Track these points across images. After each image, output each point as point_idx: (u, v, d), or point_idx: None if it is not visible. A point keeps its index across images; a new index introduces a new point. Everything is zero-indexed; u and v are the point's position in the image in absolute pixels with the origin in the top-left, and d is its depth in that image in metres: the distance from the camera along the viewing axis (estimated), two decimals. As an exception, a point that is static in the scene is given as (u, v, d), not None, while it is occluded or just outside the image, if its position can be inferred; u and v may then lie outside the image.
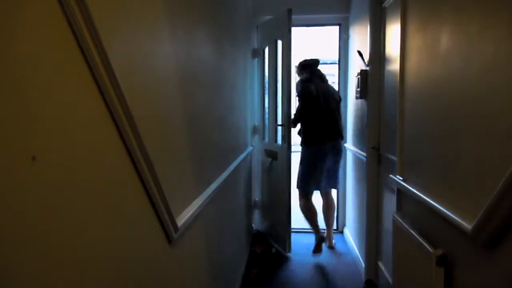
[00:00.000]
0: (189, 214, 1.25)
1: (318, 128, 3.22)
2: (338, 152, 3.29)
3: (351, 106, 3.45)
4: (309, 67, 3.35)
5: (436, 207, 1.36)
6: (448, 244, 1.29)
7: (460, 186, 1.23)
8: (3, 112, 0.48)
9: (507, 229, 0.94)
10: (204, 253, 1.62)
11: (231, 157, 2.33)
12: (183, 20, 1.27)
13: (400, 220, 1.72)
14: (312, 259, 3.23)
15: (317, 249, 3.27)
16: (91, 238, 0.68)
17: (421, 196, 1.53)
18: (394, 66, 2.16)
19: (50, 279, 0.57)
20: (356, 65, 3.08)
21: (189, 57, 1.34)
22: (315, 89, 3.22)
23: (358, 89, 2.82)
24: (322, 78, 3.35)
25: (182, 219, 1.17)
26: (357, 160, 3.13)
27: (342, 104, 3.59)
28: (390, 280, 2.16)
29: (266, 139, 3.63)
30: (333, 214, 3.56)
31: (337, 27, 3.74)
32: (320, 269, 3.06)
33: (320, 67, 3.46)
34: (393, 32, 2.22)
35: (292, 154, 3.21)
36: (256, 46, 3.70)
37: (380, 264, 2.56)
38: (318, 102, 3.20)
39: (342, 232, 3.82)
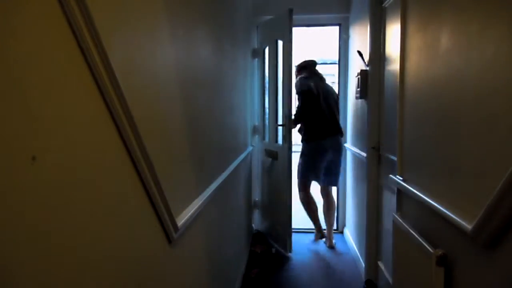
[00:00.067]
0: (189, 214, 1.25)
1: (319, 125, 3.32)
2: (337, 148, 3.38)
3: (351, 106, 3.45)
4: (307, 68, 3.46)
5: (436, 207, 1.36)
6: (448, 244, 1.29)
7: (460, 186, 1.23)
8: (3, 112, 0.48)
9: (507, 229, 0.94)
10: (204, 253, 1.62)
11: (231, 157, 2.33)
12: (183, 20, 1.27)
13: (400, 220, 1.72)
14: (312, 259, 3.23)
15: (317, 238, 3.59)
16: (91, 238, 0.68)
17: (421, 196, 1.53)
18: (394, 66, 2.16)
19: (50, 279, 0.57)
20: (356, 65, 3.08)
21: (189, 57, 1.34)
22: (315, 87, 3.32)
23: (358, 89, 2.82)
24: (320, 77, 3.46)
25: (182, 219, 1.17)
26: (357, 160, 3.13)
27: (342, 104, 3.69)
28: (390, 280, 2.16)
29: (267, 139, 3.63)
30: (334, 214, 3.59)
31: (337, 27, 3.74)
32: (320, 269, 3.06)
33: (320, 67, 3.50)
34: (393, 32, 2.22)
35: (292, 154, 3.22)
36: (256, 46, 3.70)
37: (380, 264, 2.56)
38: (318, 99, 3.31)
39: (342, 232, 3.82)
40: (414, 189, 1.64)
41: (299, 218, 3.81)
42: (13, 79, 0.50)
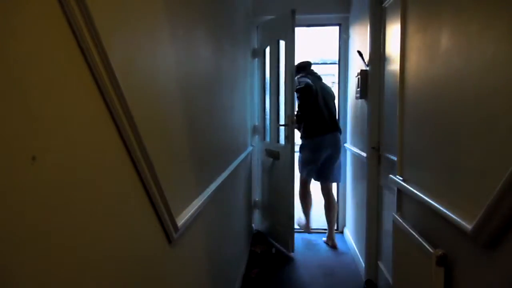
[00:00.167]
0: (189, 214, 1.25)
1: (317, 122, 3.40)
2: (336, 144, 3.46)
3: (351, 106, 3.46)
4: (305, 68, 3.54)
5: (436, 207, 1.36)
6: (448, 244, 1.29)
7: (460, 186, 1.23)
8: (3, 112, 0.48)
9: (507, 229, 0.94)
10: (204, 253, 1.62)
11: (231, 157, 2.33)
12: (183, 20, 1.27)
13: (400, 220, 1.72)
14: (312, 259, 3.23)
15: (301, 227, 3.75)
16: (91, 238, 0.68)
17: (421, 196, 1.53)
18: (394, 66, 2.16)
19: (50, 279, 0.57)
20: (356, 65, 3.08)
21: (189, 57, 1.34)
22: (313, 84, 3.41)
23: (358, 89, 2.82)
24: (317, 76, 3.58)
25: (182, 219, 1.17)
26: (357, 160, 3.13)
27: (342, 104, 3.73)
28: (390, 280, 2.16)
29: (267, 139, 3.63)
30: (335, 213, 3.61)
31: (337, 27, 3.74)
32: (320, 269, 3.06)
33: (320, 67, 3.52)
34: (393, 32, 2.22)
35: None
36: (256, 46, 3.70)
37: (380, 264, 2.56)
38: (316, 97, 3.41)
39: (342, 232, 3.82)
40: (414, 189, 1.64)
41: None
42: (13, 79, 0.50)
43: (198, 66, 1.49)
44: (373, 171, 2.63)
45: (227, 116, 2.18)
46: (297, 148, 3.24)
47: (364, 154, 2.74)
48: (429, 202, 1.43)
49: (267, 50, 3.55)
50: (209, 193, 1.56)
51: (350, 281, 2.82)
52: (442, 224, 1.32)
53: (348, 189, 3.63)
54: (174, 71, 1.17)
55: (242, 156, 2.79)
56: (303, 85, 3.35)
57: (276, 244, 3.45)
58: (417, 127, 1.67)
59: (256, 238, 3.60)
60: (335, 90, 3.87)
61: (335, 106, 3.60)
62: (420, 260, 1.42)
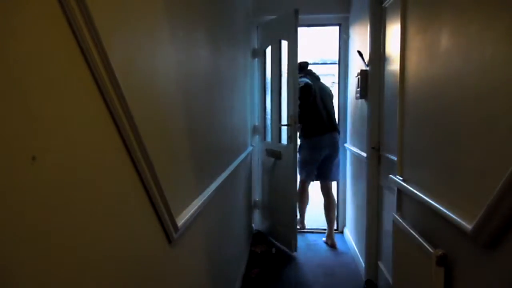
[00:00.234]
0: (189, 214, 1.25)
1: (315, 121, 3.43)
2: (334, 144, 3.50)
3: (351, 106, 3.46)
4: (303, 69, 3.58)
5: (436, 207, 1.36)
6: (448, 244, 1.29)
7: (460, 186, 1.23)
8: (3, 112, 0.48)
9: (507, 229, 0.94)
10: (204, 253, 1.62)
11: (231, 157, 2.33)
12: (183, 20, 1.27)
13: (400, 220, 1.72)
14: (312, 259, 3.23)
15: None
16: (91, 238, 0.68)
17: (421, 196, 1.53)
18: (394, 66, 2.16)
19: (50, 279, 0.57)
20: (356, 65, 3.08)
21: (189, 57, 1.34)
22: (312, 85, 3.45)
23: (358, 89, 2.82)
24: (315, 76, 3.61)
25: (182, 219, 1.17)
26: (357, 160, 3.13)
27: (342, 104, 3.72)
28: (390, 280, 2.16)
29: (268, 139, 3.63)
30: (334, 212, 3.63)
31: (337, 27, 3.74)
32: (320, 269, 3.06)
33: (320, 67, 3.54)
34: (393, 32, 2.22)
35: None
36: (256, 46, 3.70)
37: (380, 264, 2.56)
38: (315, 97, 3.45)
39: (342, 232, 3.82)
40: (414, 189, 1.64)
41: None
42: (13, 79, 0.50)
43: (198, 66, 1.49)
44: (373, 171, 2.63)
45: (227, 116, 2.19)
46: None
47: (364, 154, 2.74)
48: (429, 202, 1.43)
49: (268, 50, 3.55)
50: (209, 193, 1.56)
51: (350, 281, 2.82)
52: (442, 224, 1.32)
53: (348, 189, 3.63)
54: (174, 71, 1.17)
55: (242, 156, 2.79)
56: (302, 85, 3.37)
57: (278, 244, 3.46)
58: (417, 127, 1.67)
59: (256, 238, 3.60)
60: (335, 90, 3.88)
61: (333, 106, 3.63)
62: (420, 260, 1.42)
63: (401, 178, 1.84)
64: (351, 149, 3.38)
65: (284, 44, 3.26)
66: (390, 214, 2.01)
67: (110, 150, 0.77)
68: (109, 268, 0.76)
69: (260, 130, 3.74)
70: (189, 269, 1.39)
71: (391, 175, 2.00)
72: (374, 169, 2.62)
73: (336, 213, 3.69)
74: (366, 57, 2.68)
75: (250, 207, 3.61)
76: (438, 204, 1.36)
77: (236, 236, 2.65)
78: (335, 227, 3.71)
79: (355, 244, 3.24)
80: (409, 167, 1.79)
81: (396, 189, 1.98)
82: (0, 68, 0.48)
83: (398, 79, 1.87)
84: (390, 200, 2.30)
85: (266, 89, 3.64)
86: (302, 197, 3.74)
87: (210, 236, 1.72)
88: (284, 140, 3.30)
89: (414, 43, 1.70)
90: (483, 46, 1.09)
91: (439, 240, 1.36)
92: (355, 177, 3.25)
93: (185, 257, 1.31)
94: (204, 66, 1.60)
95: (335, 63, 3.97)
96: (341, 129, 3.71)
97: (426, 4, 1.58)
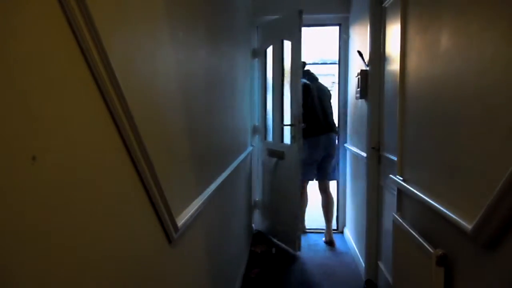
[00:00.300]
0: (189, 214, 1.25)
1: (312, 122, 3.44)
2: (331, 145, 3.53)
3: (351, 106, 3.46)
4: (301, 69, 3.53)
5: (436, 207, 1.36)
6: (448, 244, 1.29)
7: (460, 186, 1.23)
8: (3, 112, 0.48)
9: (507, 229, 0.94)
10: (204, 253, 1.62)
11: (231, 157, 2.33)
12: (183, 20, 1.27)
13: (400, 220, 1.72)
14: (312, 259, 3.23)
15: None
16: (91, 238, 0.68)
17: (421, 196, 1.53)
18: (394, 66, 2.16)
19: (50, 279, 0.57)
20: (356, 65, 3.08)
21: (189, 57, 1.34)
22: (310, 85, 3.48)
23: (358, 89, 2.82)
24: (313, 77, 3.63)
25: (182, 219, 1.17)
26: (357, 160, 3.13)
27: (342, 104, 3.72)
28: (390, 280, 2.16)
29: (270, 139, 3.63)
30: (332, 209, 3.65)
31: (337, 27, 3.74)
32: (320, 269, 3.06)
33: (320, 67, 3.54)
34: (393, 32, 2.22)
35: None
36: (256, 46, 3.70)
37: (380, 264, 2.56)
38: (312, 98, 3.47)
39: (342, 232, 3.82)
40: (414, 189, 1.64)
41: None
42: (13, 79, 0.50)
43: (198, 65, 1.49)
44: (373, 171, 2.63)
45: (227, 116, 2.19)
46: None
47: (364, 154, 2.74)
48: (429, 202, 1.43)
49: (269, 50, 3.54)
50: (209, 193, 1.56)
51: (350, 281, 2.82)
52: (442, 224, 1.33)
53: (348, 189, 3.63)
54: (174, 71, 1.17)
55: (242, 156, 2.79)
56: (302, 84, 3.37)
57: (280, 243, 3.45)
58: (417, 127, 1.67)
59: (256, 238, 3.60)
60: (335, 90, 3.88)
61: (331, 107, 3.63)
62: (420, 260, 1.42)
63: (401, 178, 1.84)
64: (351, 149, 3.38)
65: (287, 44, 3.26)
66: (390, 214, 2.01)
67: (110, 150, 0.77)
68: (109, 268, 0.76)
69: (260, 130, 3.74)
70: (189, 269, 1.39)
71: (391, 175, 2.00)
72: (374, 169, 2.62)
73: (334, 211, 3.70)
74: (366, 57, 2.68)
75: (250, 207, 3.61)
76: (438, 204, 1.36)
77: (236, 236, 2.65)
78: (334, 226, 3.71)
79: (355, 244, 3.24)
80: (409, 167, 1.79)
81: (396, 189, 1.98)
82: (0, 68, 0.48)
83: (398, 79, 1.87)
84: (390, 200, 2.30)
85: (267, 89, 3.64)
86: (301, 198, 3.70)
87: (210, 236, 1.72)
88: (287, 140, 3.30)
89: (414, 43, 1.70)
90: (483, 46, 1.09)
91: (439, 240, 1.36)
92: (355, 177, 3.25)
93: (185, 257, 1.31)
94: (204, 66, 1.60)
95: (335, 63, 3.97)
96: (341, 129, 3.72)
97: (426, 4, 1.58)
